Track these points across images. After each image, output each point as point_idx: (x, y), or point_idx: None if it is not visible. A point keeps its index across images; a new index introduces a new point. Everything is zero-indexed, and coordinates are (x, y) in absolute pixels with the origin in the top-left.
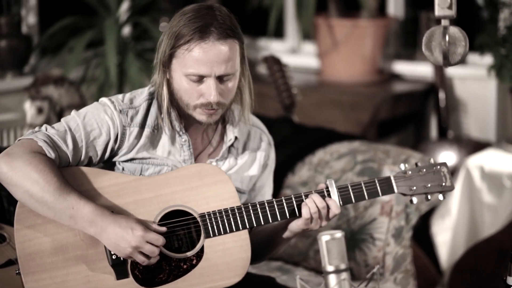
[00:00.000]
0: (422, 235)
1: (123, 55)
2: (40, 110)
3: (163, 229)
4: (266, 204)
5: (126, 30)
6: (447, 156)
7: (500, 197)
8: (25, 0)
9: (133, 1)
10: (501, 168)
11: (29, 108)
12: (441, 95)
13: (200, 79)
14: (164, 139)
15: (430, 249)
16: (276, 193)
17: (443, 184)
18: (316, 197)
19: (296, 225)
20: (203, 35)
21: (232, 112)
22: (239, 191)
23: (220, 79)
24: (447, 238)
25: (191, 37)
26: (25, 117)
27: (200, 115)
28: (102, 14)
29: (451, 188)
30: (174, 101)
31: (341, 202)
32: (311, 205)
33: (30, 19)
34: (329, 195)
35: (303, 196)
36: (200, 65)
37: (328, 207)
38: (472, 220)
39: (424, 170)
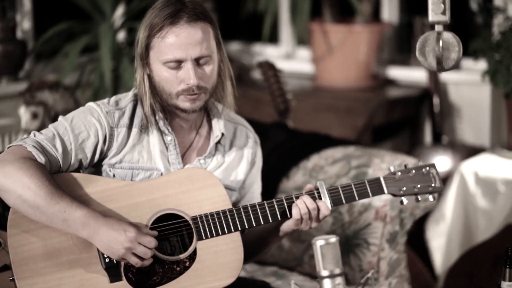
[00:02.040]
0: (416, 240)
1: (118, 60)
2: (35, 115)
3: (155, 232)
4: (257, 206)
5: (121, 36)
6: (442, 161)
7: (495, 202)
8: (20, 5)
9: (128, 7)
10: (495, 173)
11: (23, 113)
12: (436, 100)
13: (178, 65)
14: (152, 138)
15: (425, 254)
16: (271, 198)
17: (433, 185)
18: (306, 199)
19: (286, 226)
20: (173, 20)
21: (216, 108)
22: (229, 188)
23: (197, 62)
24: (442, 243)
25: (163, 23)
26: (20, 122)
27: (183, 103)
28: (97, 19)
29: (441, 189)
30: (157, 95)
31: (331, 204)
32: (302, 206)
33: (25, 24)
34: (319, 197)
35: (294, 198)
36: (175, 50)
37: (318, 209)
38: (467, 225)
39: (413, 171)
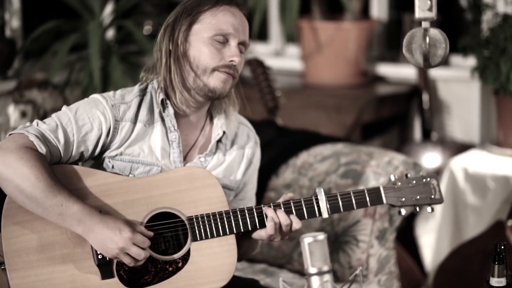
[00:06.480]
0: (406, 237)
1: (107, 58)
2: (23, 114)
3: (150, 233)
4: (254, 209)
5: (110, 34)
6: (431, 157)
7: (484, 198)
8: (8, 3)
9: (116, 5)
10: (485, 169)
11: (12, 112)
12: (425, 97)
13: (226, 41)
14: (156, 134)
15: (414, 250)
16: (260, 195)
17: (433, 196)
18: (281, 214)
19: (258, 235)
20: (230, 1)
21: (220, 109)
22: (227, 188)
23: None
24: (431, 239)
25: (217, 1)
26: (9, 121)
27: (216, 80)
28: (85, 17)
29: (440, 200)
30: (182, 79)
31: (329, 211)
32: (276, 220)
33: (13, 22)
34: (317, 203)
35: (292, 203)
36: (230, 26)
37: (291, 224)
38: (456, 221)
39: (414, 181)
